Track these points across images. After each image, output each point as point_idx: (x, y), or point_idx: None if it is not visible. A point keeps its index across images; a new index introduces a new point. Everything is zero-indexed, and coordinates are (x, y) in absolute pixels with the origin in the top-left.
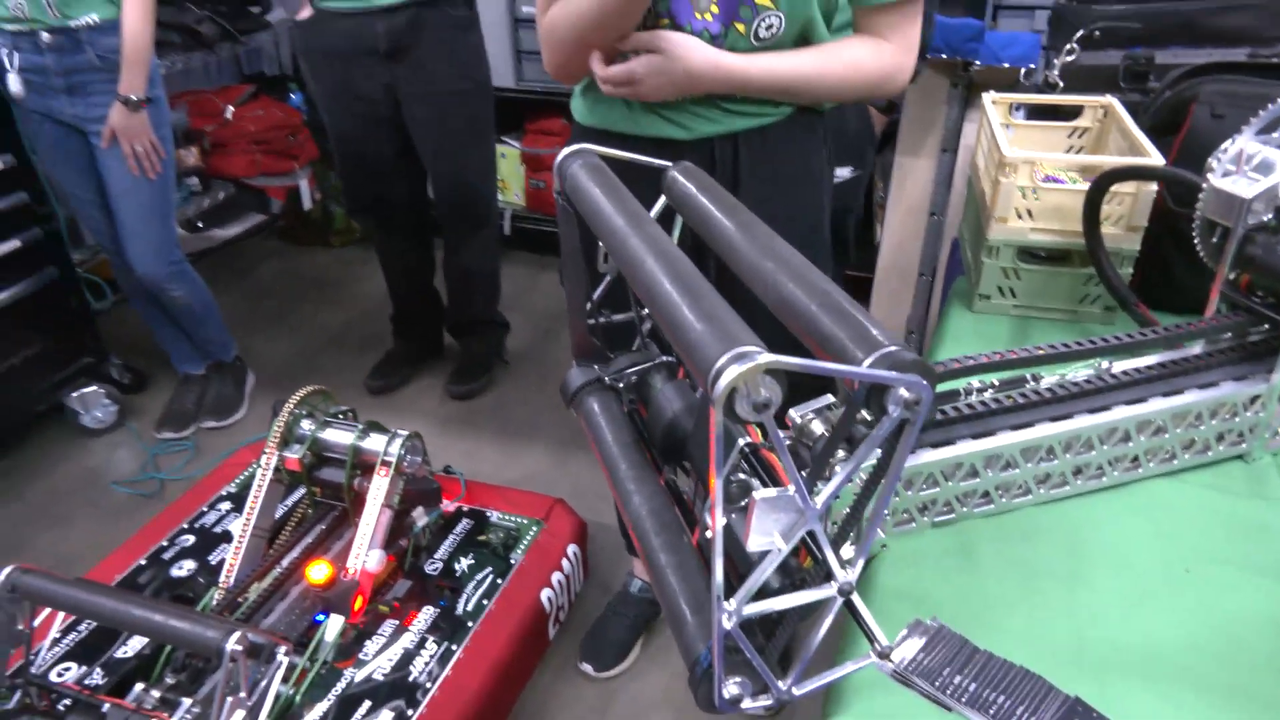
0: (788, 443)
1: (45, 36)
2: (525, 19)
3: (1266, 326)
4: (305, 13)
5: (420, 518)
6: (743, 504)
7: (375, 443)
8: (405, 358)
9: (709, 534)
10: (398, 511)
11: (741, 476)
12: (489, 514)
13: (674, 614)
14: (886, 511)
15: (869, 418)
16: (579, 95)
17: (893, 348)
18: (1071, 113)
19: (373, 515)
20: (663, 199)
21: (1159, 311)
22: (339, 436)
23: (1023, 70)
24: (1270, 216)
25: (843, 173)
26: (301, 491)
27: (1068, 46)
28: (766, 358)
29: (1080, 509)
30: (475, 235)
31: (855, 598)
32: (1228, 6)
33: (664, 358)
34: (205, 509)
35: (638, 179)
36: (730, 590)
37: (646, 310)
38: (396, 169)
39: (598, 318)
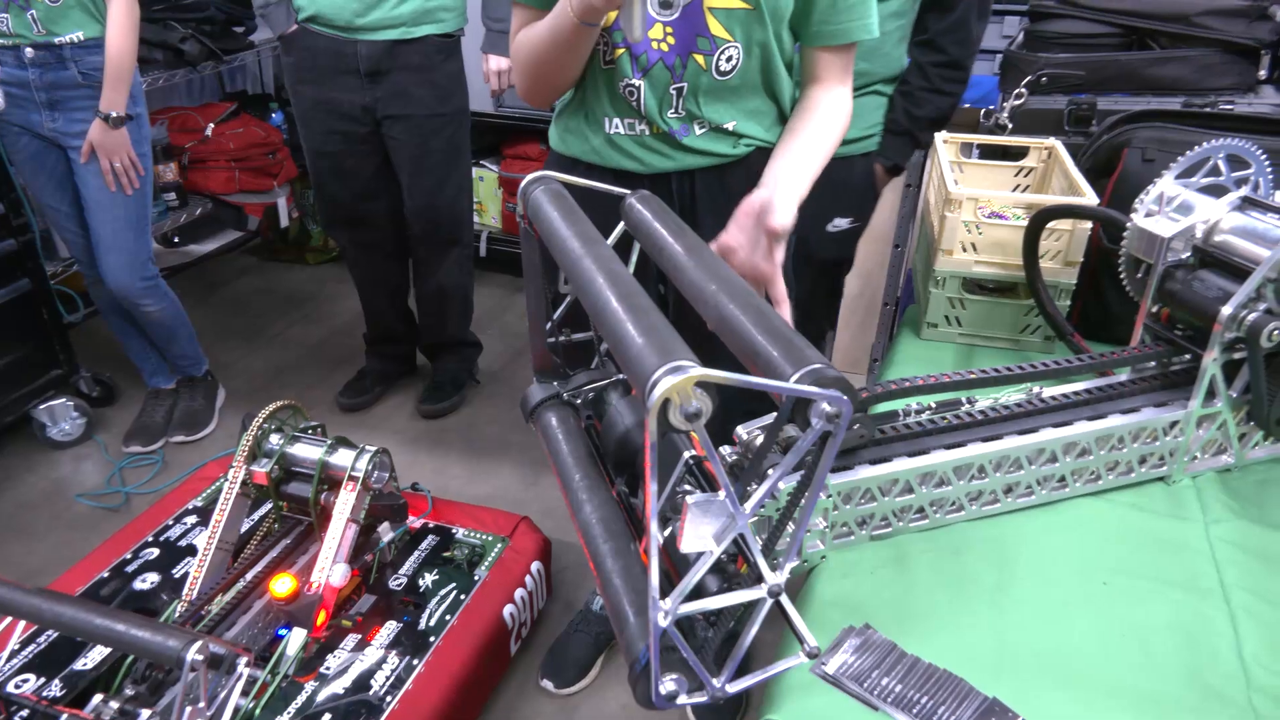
0: (734, 458)
1: (29, 52)
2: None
3: (1187, 357)
4: (291, 28)
5: (386, 533)
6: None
7: (343, 458)
8: (377, 376)
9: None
10: (363, 527)
11: (686, 488)
12: (454, 530)
13: (618, 615)
14: (825, 524)
15: (796, 432)
16: (554, 121)
17: (817, 365)
18: (1019, 153)
19: (338, 530)
20: (621, 225)
21: (1096, 342)
22: (307, 451)
23: (983, 111)
24: (1188, 255)
25: (841, 223)
26: (268, 506)
27: (1016, 91)
28: (698, 371)
29: (1010, 525)
30: (448, 254)
31: (784, 599)
32: (1163, 58)
33: (619, 375)
34: (171, 522)
35: (601, 206)
36: (669, 592)
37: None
38: (373, 186)
39: (558, 336)
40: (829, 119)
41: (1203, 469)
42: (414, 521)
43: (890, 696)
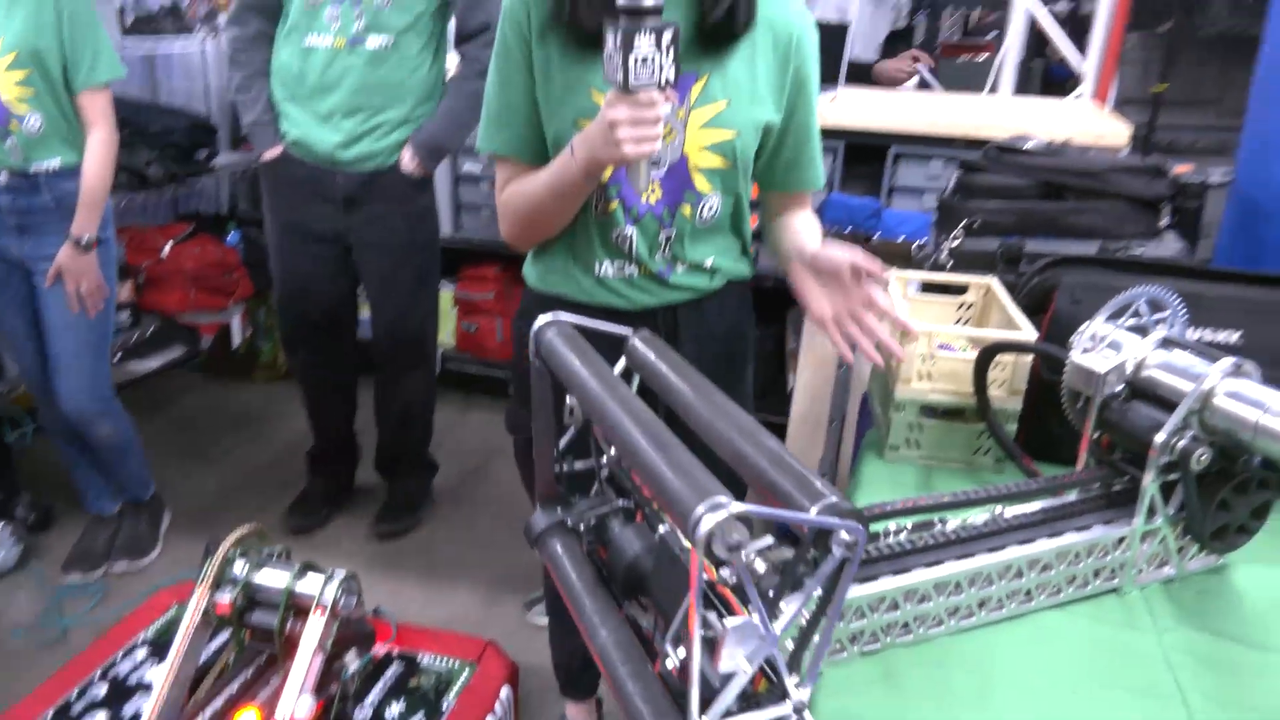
0: (733, 580)
1: (3, 178)
2: (465, 175)
3: (1127, 478)
4: (274, 153)
5: (352, 661)
6: (704, 634)
7: (311, 584)
8: (322, 496)
9: (669, 663)
10: (329, 656)
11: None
12: (419, 657)
13: None
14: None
15: (811, 556)
16: (531, 262)
17: (834, 498)
18: (960, 289)
19: (305, 659)
20: (623, 360)
21: (1041, 461)
22: (273, 578)
23: (915, 244)
24: (1121, 388)
25: None
26: (226, 635)
27: (954, 233)
28: (737, 506)
29: (984, 638)
30: (413, 376)
31: (807, 714)
32: (1081, 208)
33: (620, 502)
34: (120, 656)
35: (592, 338)
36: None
37: (604, 459)
38: (338, 308)
39: (562, 466)
40: (813, 224)
41: (1149, 581)
42: (378, 649)
43: None
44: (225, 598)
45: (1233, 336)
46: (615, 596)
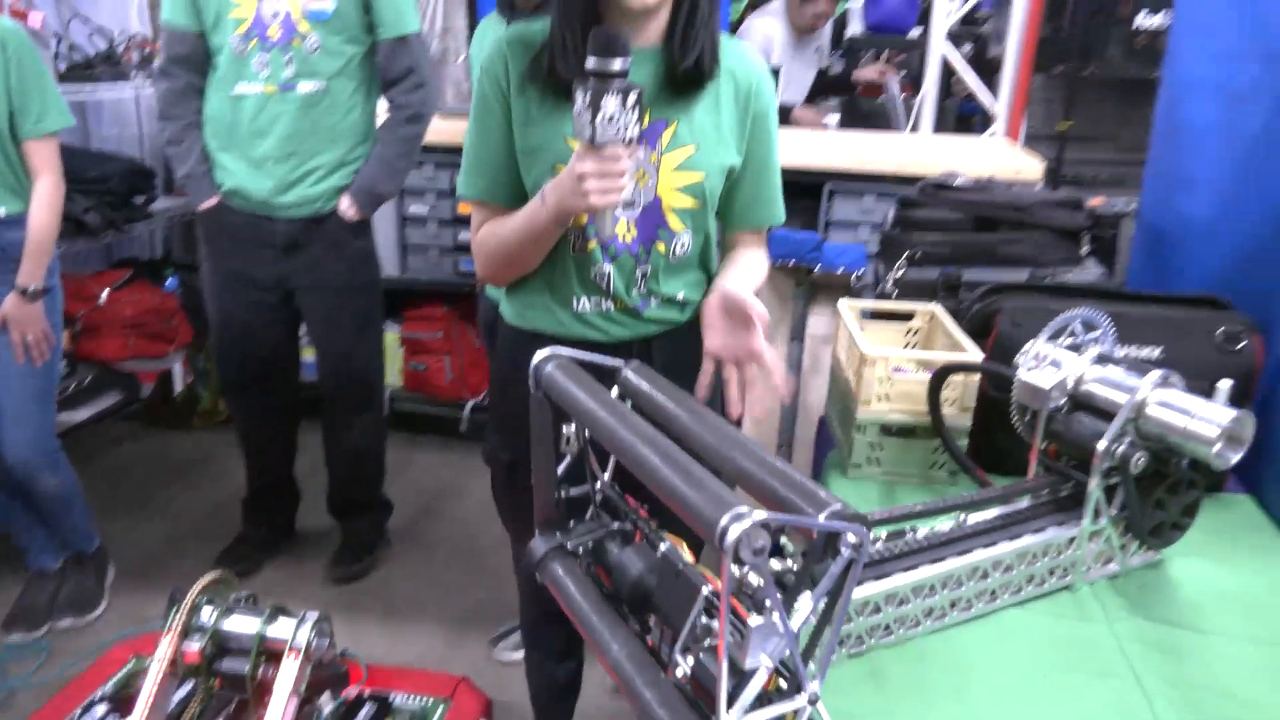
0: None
1: None
2: (412, 217)
3: (1073, 483)
4: (210, 203)
5: (326, 704)
6: (707, 644)
7: (283, 628)
8: (257, 543)
9: (679, 672)
10: (303, 699)
11: (705, 620)
12: (392, 697)
13: None
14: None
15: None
16: (507, 300)
17: (838, 505)
18: (907, 315)
19: (280, 705)
20: (615, 389)
21: (991, 472)
22: (243, 624)
23: (854, 274)
24: (1064, 401)
25: None
26: (192, 684)
27: (898, 264)
28: (760, 514)
29: (957, 636)
30: (361, 418)
31: (820, 705)
32: (1011, 239)
33: (615, 525)
34: (78, 714)
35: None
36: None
37: (599, 485)
38: (278, 353)
39: (559, 492)
40: (754, 262)
41: (1097, 577)
42: (349, 691)
43: None
44: (194, 646)
45: (1155, 352)
46: (620, 612)
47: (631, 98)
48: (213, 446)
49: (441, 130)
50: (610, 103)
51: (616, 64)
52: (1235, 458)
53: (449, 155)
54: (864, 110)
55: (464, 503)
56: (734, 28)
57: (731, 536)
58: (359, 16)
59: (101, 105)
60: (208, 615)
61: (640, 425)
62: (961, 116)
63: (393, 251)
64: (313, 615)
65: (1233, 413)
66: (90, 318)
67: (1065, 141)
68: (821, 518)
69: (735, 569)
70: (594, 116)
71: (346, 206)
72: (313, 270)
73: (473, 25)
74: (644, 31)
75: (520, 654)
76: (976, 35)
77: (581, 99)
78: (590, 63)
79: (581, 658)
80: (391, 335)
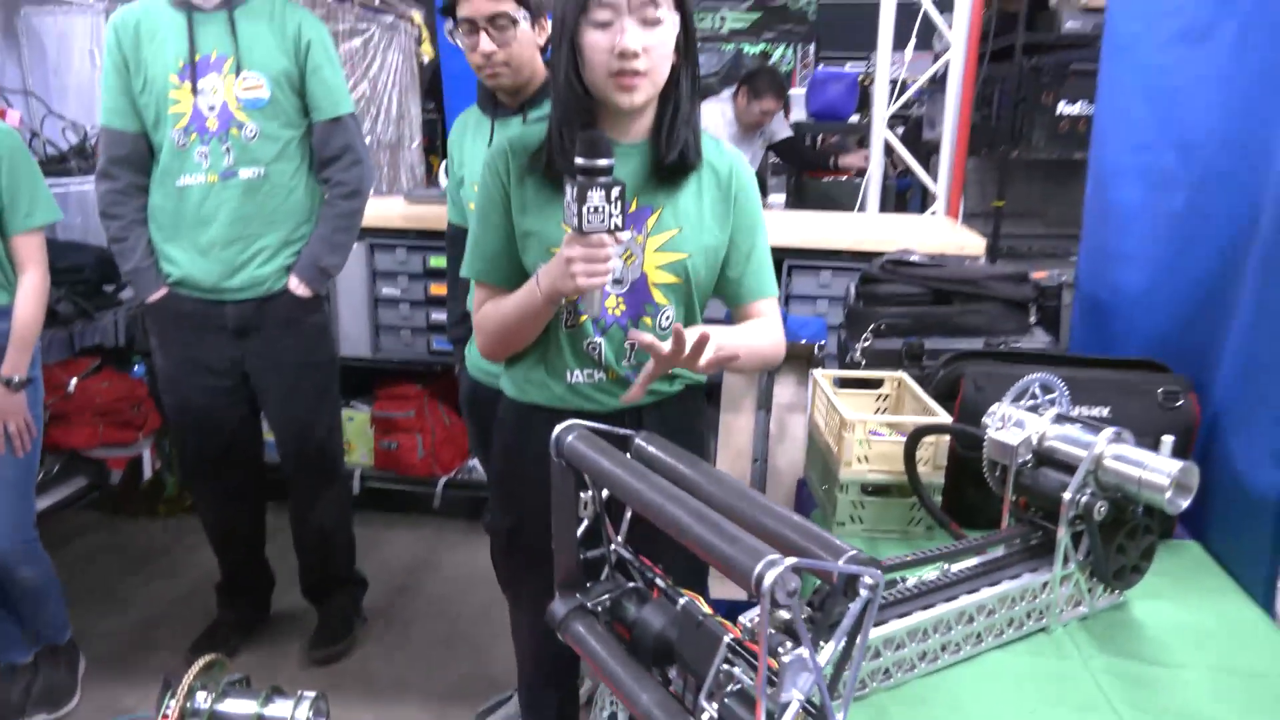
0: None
1: None
2: (384, 298)
3: (1041, 532)
4: (158, 295)
5: None
6: (730, 688)
7: (280, 709)
8: (232, 627)
9: (705, 716)
10: None
11: (727, 667)
12: None
13: None
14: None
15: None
16: (507, 375)
17: (854, 551)
18: (876, 383)
19: None
20: (628, 456)
21: (964, 526)
22: (240, 706)
23: (816, 345)
24: (1029, 457)
25: None
26: None
27: (864, 335)
28: (790, 560)
29: (950, 677)
30: (325, 494)
31: None
32: (966, 311)
33: (631, 584)
34: None
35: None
36: None
37: (613, 546)
38: (238, 436)
39: (581, 554)
40: (755, 325)
41: (1069, 618)
42: None
43: None
44: None
45: (1104, 411)
46: (643, 665)
47: (615, 192)
48: (180, 533)
49: (411, 215)
50: (595, 196)
51: (601, 162)
52: (1185, 503)
53: (420, 239)
54: (821, 190)
55: (439, 577)
56: None
57: (768, 581)
58: (294, 102)
59: (68, 197)
60: (203, 699)
61: (666, 486)
62: (899, 192)
63: (365, 332)
64: (309, 694)
65: (1179, 463)
66: (59, 406)
67: (1000, 218)
68: (840, 562)
69: (771, 610)
70: (581, 208)
71: (296, 284)
72: (268, 349)
73: (427, 114)
74: (633, 128)
75: None
76: (906, 118)
77: (570, 192)
78: (579, 161)
79: None
80: (362, 415)
